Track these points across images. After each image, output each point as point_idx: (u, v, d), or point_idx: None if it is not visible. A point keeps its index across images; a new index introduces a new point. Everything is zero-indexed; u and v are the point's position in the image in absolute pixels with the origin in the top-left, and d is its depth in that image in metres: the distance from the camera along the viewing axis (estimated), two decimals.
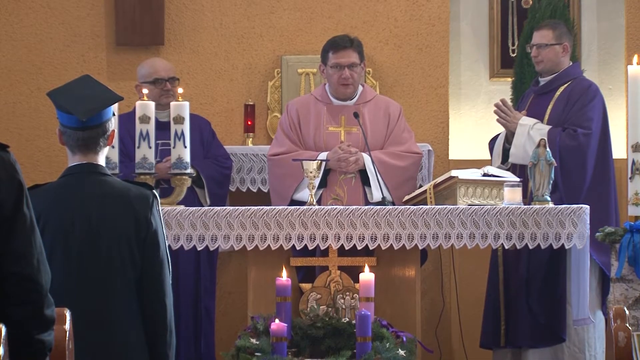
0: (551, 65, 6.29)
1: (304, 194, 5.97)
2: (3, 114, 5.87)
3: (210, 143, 6.37)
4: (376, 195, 5.97)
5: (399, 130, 6.23)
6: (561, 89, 6.26)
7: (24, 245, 2.93)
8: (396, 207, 5.83)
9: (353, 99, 6.22)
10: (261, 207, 5.81)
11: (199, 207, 5.93)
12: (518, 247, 5.75)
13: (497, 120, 6.24)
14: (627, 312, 3.90)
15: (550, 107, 6.25)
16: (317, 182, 5.93)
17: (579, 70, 6.38)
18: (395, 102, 6.39)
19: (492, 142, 6.37)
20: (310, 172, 5.72)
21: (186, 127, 5.70)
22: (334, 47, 6.15)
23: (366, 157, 6.03)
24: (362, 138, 6.07)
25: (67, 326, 3.37)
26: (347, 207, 5.78)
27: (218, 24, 6.95)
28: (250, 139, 6.88)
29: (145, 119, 5.64)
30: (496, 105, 6.26)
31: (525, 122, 6.14)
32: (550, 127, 6.07)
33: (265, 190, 6.64)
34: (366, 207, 5.85)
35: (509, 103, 6.30)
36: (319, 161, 5.86)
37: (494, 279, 6.29)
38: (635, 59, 5.65)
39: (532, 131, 6.08)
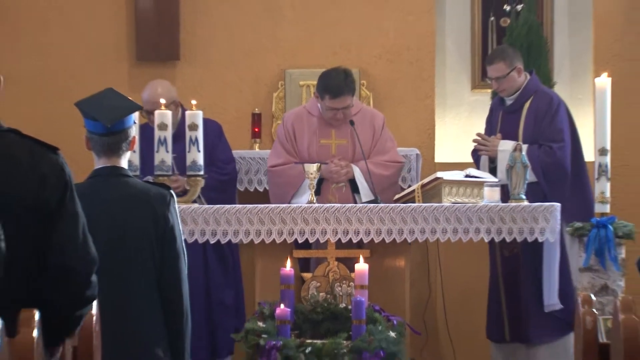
0: (511, 89, 6.28)
1: (301, 199, 5.98)
2: (31, 121, 5.81)
3: (215, 146, 6.29)
4: (364, 200, 6.01)
5: (383, 140, 6.23)
6: (526, 105, 6.25)
7: (65, 238, 2.99)
8: (388, 204, 5.86)
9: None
10: (267, 205, 5.85)
11: (212, 205, 5.90)
12: (496, 240, 5.80)
13: (479, 152, 6.26)
14: (593, 298, 3.92)
15: (521, 125, 6.24)
16: (303, 185, 5.97)
17: (536, 81, 6.35)
18: (379, 113, 6.39)
19: (474, 154, 6.38)
20: (311, 174, 5.76)
21: (199, 133, 5.69)
22: (330, 93, 6.04)
23: (355, 169, 6.04)
24: (351, 149, 6.09)
25: (95, 311, 3.42)
26: (343, 205, 5.80)
27: (228, 41, 6.95)
28: (257, 144, 6.89)
29: (163, 127, 5.64)
30: (474, 140, 6.28)
31: (504, 147, 6.10)
32: (526, 145, 6.00)
33: (268, 189, 6.59)
34: (361, 204, 5.89)
35: (484, 135, 6.28)
36: (319, 164, 5.87)
37: (494, 277, 6.29)
38: (604, 75, 5.70)
39: (504, 149, 6.05)
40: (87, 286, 3.05)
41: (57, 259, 2.98)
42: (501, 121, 6.34)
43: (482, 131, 6.41)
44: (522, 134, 6.21)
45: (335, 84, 6.07)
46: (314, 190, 5.83)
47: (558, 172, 6.03)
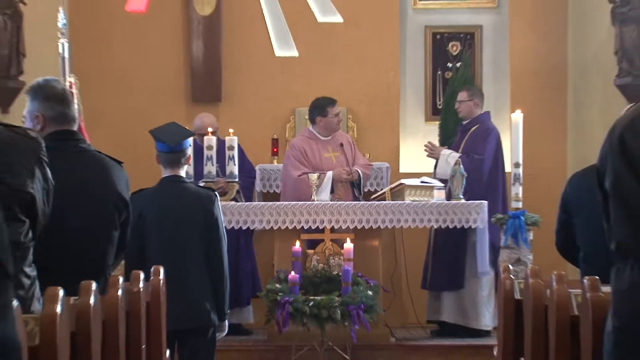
0: (467, 114, 6.26)
1: (322, 195, 5.91)
2: (109, 146, 5.76)
3: (242, 161, 6.15)
4: (357, 191, 6.03)
5: (357, 152, 6.23)
6: (472, 129, 6.22)
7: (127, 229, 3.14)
8: (367, 202, 5.88)
9: (329, 136, 6.16)
10: (282, 202, 5.85)
11: (243, 203, 5.93)
12: (442, 228, 5.78)
13: (427, 155, 6.25)
14: (511, 267, 3.92)
15: (464, 141, 6.21)
16: (323, 185, 5.91)
17: (486, 117, 6.31)
18: (345, 134, 6.39)
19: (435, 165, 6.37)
20: (314, 181, 5.76)
21: (235, 152, 5.68)
22: (331, 103, 6.07)
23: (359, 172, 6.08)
24: (344, 158, 6.05)
25: (162, 276, 3.41)
26: (336, 202, 5.80)
27: (256, 88, 6.91)
28: (275, 160, 6.84)
29: (210, 148, 5.64)
30: (425, 145, 6.28)
31: (445, 153, 6.13)
32: (459, 154, 6.04)
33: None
34: (348, 202, 5.87)
35: (433, 142, 6.30)
36: (318, 173, 5.85)
37: (428, 249, 6.27)
38: (518, 111, 5.70)
39: (448, 158, 6.06)
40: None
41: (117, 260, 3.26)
42: (458, 137, 6.33)
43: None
44: (463, 146, 6.18)
45: (328, 98, 6.12)
46: (315, 189, 5.79)
47: (474, 173, 5.97)
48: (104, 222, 3.07)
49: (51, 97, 3.06)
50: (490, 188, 6.06)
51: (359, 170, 6.07)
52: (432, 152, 6.23)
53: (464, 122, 6.29)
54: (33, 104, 3.05)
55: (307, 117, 6.95)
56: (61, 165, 2.88)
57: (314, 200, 5.77)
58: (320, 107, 6.13)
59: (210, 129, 5.85)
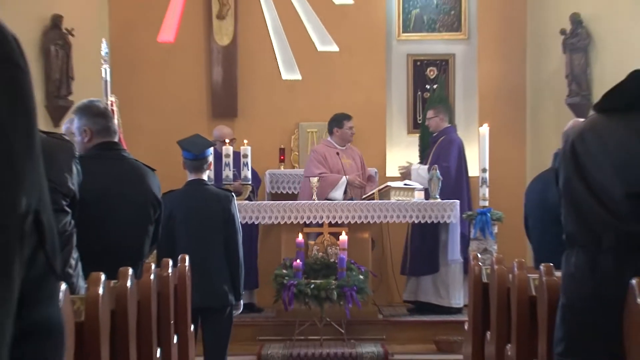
0: (434, 127, 6.25)
1: (336, 193, 5.95)
2: (143, 154, 5.66)
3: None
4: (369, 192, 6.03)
5: (365, 165, 6.25)
6: (440, 140, 6.19)
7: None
8: (359, 201, 5.86)
9: (345, 146, 6.17)
10: (287, 202, 5.83)
11: (255, 202, 5.91)
12: (422, 222, 5.76)
13: (401, 174, 6.27)
14: (479, 256, 3.92)
15: (432, 151, 6.20)
16: (339, 185, 5.97)
17: (451, 130, 6.28)
18: (357, 149, 6.34)
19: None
20: (314, 183, 5.75)
21: (249, 160, 5.68)
22: (347, 118, 6.12)
23: (371, 184, 6.16)
24: (355, 166, 6.14)
25: (187, 263, 3.40)
26: (333, 201, 5.77)
27: (266, 106, 6.91)
28: (282, 166, 6.82)
29: (227, 156, 5.62)
30: (399, 167, 6.33)
31: (414, 167, 6.17)
32: (426, 166, 6.09)
33: (288, 192, 6.57)
34: (344, 201, 5.84)
35: (404, 164, 6.31)
36: (318, 178, 5.86)
37: (406, 241, 6.24)
38: (485, 125, 5.69)
39: (419, 170, 6.09)
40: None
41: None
42: (430, 146, 6.34)
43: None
44: (432, 155, 6.17)
45: (345, 114, 6.16)
46: (316, 191, 5.77)
47: (443, 177, 5.92)
48: (142, 218, 3.08)
49: (96, 114, 3.08)
50: (456, 189, 6.02)
51: (371, 183, 6.18)
52: (404, 171, 6.26)
53: (434, 135, 6.29)
54: (81, 120, 3.06)
55: (308, 130, 6.98)
56: (106, 170, 2.94)
57: (314, 200, 5.74)
58: (337, 120, 6.16)
59: (227, 140, 5.84)
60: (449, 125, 6.32)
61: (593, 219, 2.02)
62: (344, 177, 6.00)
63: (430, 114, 6.33)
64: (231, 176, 5.65)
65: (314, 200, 5.73)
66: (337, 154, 6.10)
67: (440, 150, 6.14)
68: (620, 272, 1.92)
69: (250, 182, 5.75)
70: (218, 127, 6.33)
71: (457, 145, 6.21)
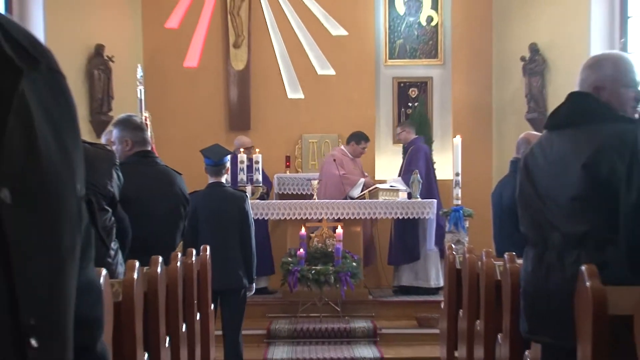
0: (404, 140, 6.22)
1: (354, 191, 5.91)
2: (172, 161, 5.63)
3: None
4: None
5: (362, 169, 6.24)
6: (410, 149, 6.13)
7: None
8: (352, 200, 5.82)
9: (353, 158, 6.13)
10: (292, 201, 5.80)
11: (265, 201, 5.87)
12: (405, 218, 5.74)
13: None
14: (453, 246, 3.91)
15: (405, 160, 6.14)
16: (357, 185, 5.93)
17: (417, 140, 6.18)
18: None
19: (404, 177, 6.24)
20: (314, 185, 5.73)
21: (260, 166, 5.65)
22: (367, 140, 6.07)
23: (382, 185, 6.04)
24: (359, 170, 6.14)
25: (208, 252, 3.39)
26: (331, 200, 5.72)
27: (273, 120, 6.88)
28: (288, 171, 6.79)
29: (242, 162, 5.61)
30: (367, 192, 6.17)
31: (383, 186, 5.92)
32: (399, 177, 6.05)
33: (293, 193, 6.51)
34: (339, 200, 5.77)
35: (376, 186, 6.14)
36: (318, 180, 5.83)
37: (390, 236, 6.17)
38: (458, 136, 5.68)
39: (391, 183, 5.97)
40: None
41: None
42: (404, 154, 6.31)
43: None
44: (405, 164, 6.11)
45: (366, 136, 6.10)
46: (316, 191, 5.76)
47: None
48: (174, 214, 3.08)
49: (135, 127, 3.09)
50: (427, 190, 5.97)
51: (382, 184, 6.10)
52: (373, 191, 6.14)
53: (405, 146, 6.26)
54: (123, 132, 3.07)
55: (310, 141, 6.97)
56: (144, 174, 2.96)
57: (315, 200, 5.73)
58: (358, 138, 6.09)
59: (241, 149, 5.85)
60: (416, 136, 6.27)
61: (541, 221, 2.01)
62: (362, 179, 6.00)
63: (399, 130, 6.32)
64: (245, 179, 5.63)
65: (315, 198, 5.72)
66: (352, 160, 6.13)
67: (411, 157, 6.09)
68: (562, 264, 1.92)
69: (261, 184, 5.72)
70: (239, 137, 6.31)
71: (424, 152, 6.16)
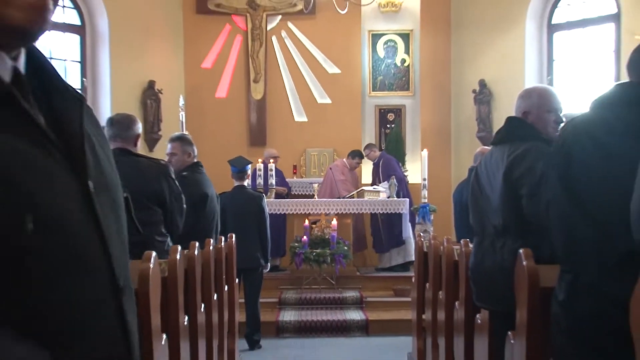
0: (372, 158, 6.05)
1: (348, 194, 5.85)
2: (212, 170, 5.74)
3: (280, 178, 6.10)
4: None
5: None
6: (380, 162, 6.01)
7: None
8: (345, 199, 5.77)
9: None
10: (299, 199, 5.75)
11: (278, 199, 5.79)
12: (386, 213, 5.69)
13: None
14: (422, 234, 3.91)
15: (380, 170, 6.02)
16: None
17: (383, 153, 6.11)
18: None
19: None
20: (315, 188, 5.70)
21: (274, 173, 5.61)
22: (360, 156, 6.00)
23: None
24: (355, 177, 6.09)
25: (234, 239, 3.37)
26: (328, 199, 5.69)
27: (283, 137, 6.83)
28: (295, 176, 6.75)
29: (260, 170, 5.58)
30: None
31: (375, 187, 5.88)
32: (378, 185, 5.92)
33: (299, 193, 6.44)
34: (335, 199, 5.72)
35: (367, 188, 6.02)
36: (318, 184, 5.82)
37: (373, 229, 6.07)
38: (425, 150, 5.66)
39: (376, 187, 5.84)
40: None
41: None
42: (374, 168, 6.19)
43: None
44: (380, 172, 5.98)
45: (362, 154, 6.03)
46: (317, 192, 5.75)
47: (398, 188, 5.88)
48: (213, 210, 3.07)
49: (191, 142, 3.11)
50: (400, 189, 5.89)
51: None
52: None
53: (374, 162, 6.11)
54: (185, 146, 3.08)
55: (312, 153, 6.95)
56: (203, 179, 2.99)
57: (316, 199, 5.70)
58: (354, 154, 6.03)
59: (272, 157, 5.84)
60: (381, 151, 6.20)
61: (482, 215, 2.05)
62: (361, 189, 5.86)
63: (366, 151, 6.14)
64: (262, 183, 5.61)
65: (316, 199, 5.68)
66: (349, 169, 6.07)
67: (386, 167, 5.99)
68: (493, 249, 1.96)
69: (274, 187, 5.67)
70: (268, 149, 6.20)
71: (394, 160, 6.10)
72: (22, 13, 0.52)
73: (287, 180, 6.45)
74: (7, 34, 0.53)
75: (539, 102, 1.97)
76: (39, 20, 0.54)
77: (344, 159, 6.21)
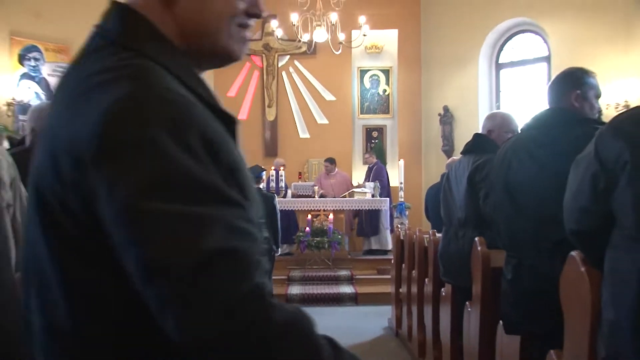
0: (369, 162, 6.00)
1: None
2: None
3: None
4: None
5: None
6: (374, 168, 5.95)
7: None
8: (339, 198, 5.72)
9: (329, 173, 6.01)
10: (303, 199, 5.70)
11: (287, 198, 5.72)
12: (372, 209, 5.65)
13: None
14: (399, 225, 3.91)
15: (372, 173, 5.88)
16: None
17: (378, 161, 6.02)
18: (346, 174, 6.15)
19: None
20: (316, 189, 5.68)
21: (284, 178, 5.60)
22: (326, 161, 5.92)
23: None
24: (347, 182, 5.97)
25: None
26: (327, 198, 5.64)
27: (290, 150, 6.81)
28: (300, 181, 6.68)
29: (272, 176, 5.57)
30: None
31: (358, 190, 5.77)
32: (370, 183, 5.77)
33: (303, 194, 6.27)
34: (331, 198, 5.67)
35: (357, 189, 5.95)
36: (318, 187, 5.80)
37: (359, 220, 5.98)
38: (402, 160, 5.65)
39: (365, 189, 5.76)
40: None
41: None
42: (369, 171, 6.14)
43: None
44: (372, 176, 5.90)
45: (330, 159, 5.87)
46: (317, 192, 5.72)
47: (381, 188, 5.78)
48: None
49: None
50: (384, 191, 5.85)
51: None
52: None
53: (370, 166, 6.09)
54: None
55: (313, 162, 6.92)
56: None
57: (316, 198, 5.67)
58: (327, 161, 5.93)
59: (280, 165, 5.79)
60: (377, 160, 6.19)
61: (450, 211, 2.12)
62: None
63: (366, 156, 6.19)
64: (274, 186, 5.59)
65: (316, 198, 5.65)
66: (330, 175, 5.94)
67: (377, 173, 5.96)
68: (457, 238, 2.02)
69: (283, 190, 5.65)
70: (276, 159, 6.15)
71: (384, 169, 6.07)
72: (242, 46, 0.51)
73: (291, 183, 6.37)
74: (224, 62, 0.51)
75: (501, 123, 2.03)
76: (245, 50, 0.52)
77: (324, 169, 6.08)
